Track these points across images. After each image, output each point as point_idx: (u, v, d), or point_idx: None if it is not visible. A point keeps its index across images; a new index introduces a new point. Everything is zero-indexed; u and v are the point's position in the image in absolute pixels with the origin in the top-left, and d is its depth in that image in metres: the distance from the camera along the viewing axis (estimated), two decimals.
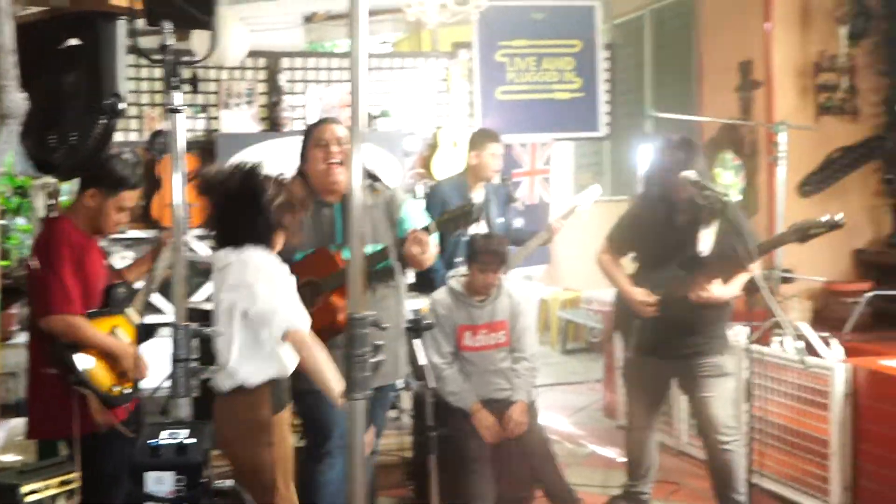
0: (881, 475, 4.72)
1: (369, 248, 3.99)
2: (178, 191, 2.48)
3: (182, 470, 2.26)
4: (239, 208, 3.29)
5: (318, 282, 3.99)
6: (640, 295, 4.53)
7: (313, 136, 4.12)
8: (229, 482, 2.39)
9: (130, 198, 3.94)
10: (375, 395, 3.97)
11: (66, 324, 3.71)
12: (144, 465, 2.26)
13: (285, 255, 3.80)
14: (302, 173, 4.16)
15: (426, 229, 3.91)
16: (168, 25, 2.44)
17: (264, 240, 3.36)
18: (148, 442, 2.29)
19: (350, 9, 1.87)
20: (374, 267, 3.95)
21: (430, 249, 3.90)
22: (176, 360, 2.43)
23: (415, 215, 4.22)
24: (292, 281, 3.41)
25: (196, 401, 2.55)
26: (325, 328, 3.63)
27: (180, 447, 2.29)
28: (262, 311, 3.25)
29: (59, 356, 3.71)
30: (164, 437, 2.31)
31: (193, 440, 2.30)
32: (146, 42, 2.59)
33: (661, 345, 4.55)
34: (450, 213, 4.02)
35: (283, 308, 3.25)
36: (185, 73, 2.50)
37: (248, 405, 3.24)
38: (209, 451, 2.32)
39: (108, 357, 3.83)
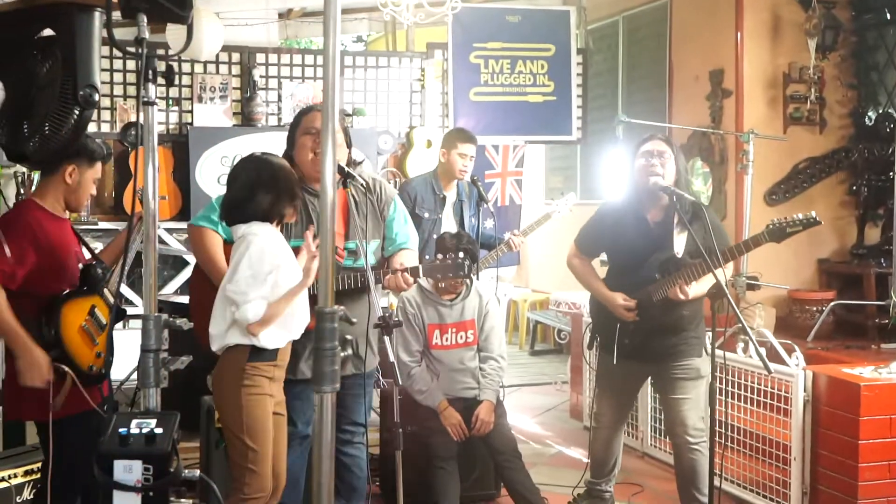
0: (837, 480, 4.80)
1: (373, 245, 4.06)
2: (150, 183, 2.49)
3: (150, 459, 2.28)
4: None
5: None
6: (621, 299, 4.54)
7: (302, 124, 4.12)
8: (196, 472, 2.41)
9: (100, 169, 4.00)
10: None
11: None
12: (113, 454, 2.28)
13: None
14: (289, 159, 4.17)
15: (416, 271, 3.97)
16: (143, 19, 2.45)
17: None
18: (118, 430, 2.31)
19: (324, 6, 1.90)
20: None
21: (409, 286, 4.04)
22: (146, 351, 2.45)
23: (400, 219, 4.26)
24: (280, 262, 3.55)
25: (164, 392, 2.56)
26: None
27: (149, 437, 2.31)
28: (233, 292, 3.50)
29: (42, 333, 3.70)
30: (133, 427, 2.33)
31: (161, 430, 2.33)
32: (120, 34, 2.59)
33: (640, 347, 4.58)
34: (441, 262, 4.06)
35: (247, 298, 3.49)
36: (161, 66, 2.51)
37: (229, 358, 3.59)
38: (177, 442, 2.34)
39: (86, 335, 3.84)
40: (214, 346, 3.64)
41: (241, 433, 3.61)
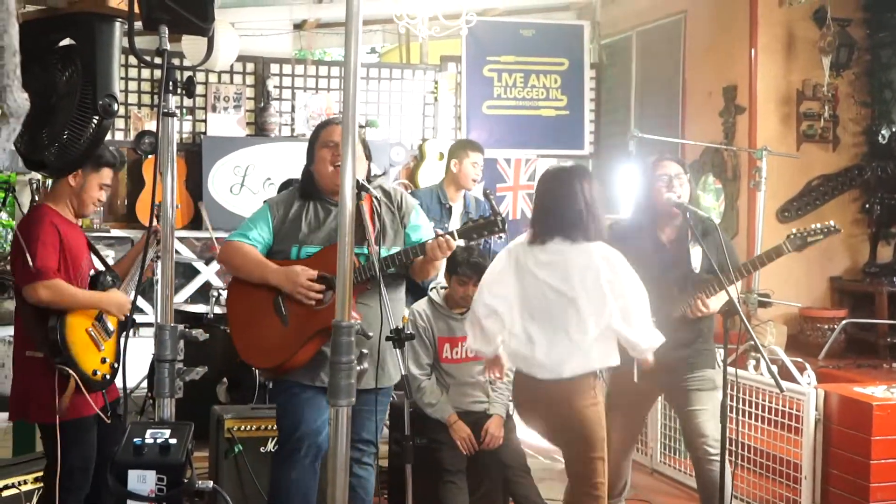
0: (848, 500, 4.79)
1: (384, 252, 4.04)
2: (168, 194, 2.50)
3: (164, 469, 2.28)
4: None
5: (330, 278, 3.99)
6: None
7: (321, 138, 4.12)
8: (210, 483, 2.41)
9: (109, 175, 4.08)
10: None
11: (49, 289, 3.76)
12: (127, 463, 2.28)
13: (289, 249, 3.89)
14: (309, 173, 4.17)
15: (452, 235, 3.95)
16: (165, 30, 2.47)
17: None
18: (132, 440, 2.31)
19: (346, 21, 1.91)
20: (389, 269, 3.99)
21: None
22: (160, 361, 2.45)
23: (424, 226, 4.24)
24: None
25: (178, 402, 2.57)
26: None
27: (163, 447, 2.31)
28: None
29: (47, 335, 3.76)
30: (148, 437, 2.34)
31: (175, 441, 2.33)
32: (138, 43, 2.62)
33: (656, 362, 4.57)
34: (474, 222, 4.06)
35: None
36: (181, 77, 2.53)
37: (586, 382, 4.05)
38: (191, 452, 2.35)
39: (91, 340, 3.90)
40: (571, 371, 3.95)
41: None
